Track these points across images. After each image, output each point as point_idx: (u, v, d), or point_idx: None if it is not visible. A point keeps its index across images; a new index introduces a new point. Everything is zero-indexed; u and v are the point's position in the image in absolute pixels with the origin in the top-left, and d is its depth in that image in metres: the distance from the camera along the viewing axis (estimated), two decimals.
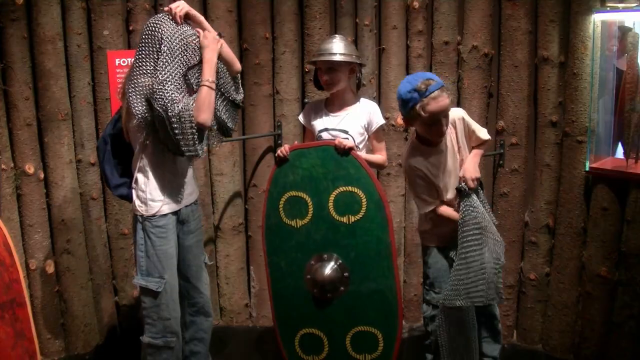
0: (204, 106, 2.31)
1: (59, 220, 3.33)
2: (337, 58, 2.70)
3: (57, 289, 3.37)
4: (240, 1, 3.44)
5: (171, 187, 2.51)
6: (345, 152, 2.63)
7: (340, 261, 2.71)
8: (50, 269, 3.32)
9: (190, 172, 2.63)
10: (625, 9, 2.93)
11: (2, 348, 2.29)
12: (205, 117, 2.31)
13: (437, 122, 2.48)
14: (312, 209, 2.71)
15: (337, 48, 2.72)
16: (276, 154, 2.76)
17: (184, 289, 2.69)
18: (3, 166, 3.14)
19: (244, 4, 3.44)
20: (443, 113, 2.48)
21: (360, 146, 2.80)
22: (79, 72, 3.29)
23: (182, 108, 2.27)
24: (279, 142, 3.51)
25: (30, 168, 3.22)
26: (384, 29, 3.39)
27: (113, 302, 3.57)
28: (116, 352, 3.47)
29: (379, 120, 2.80)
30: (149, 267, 2.50)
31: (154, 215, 2.48)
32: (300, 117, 2.98)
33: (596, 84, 3.02)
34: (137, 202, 2.50)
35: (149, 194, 2.48)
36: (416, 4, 3.31)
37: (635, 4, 2.90)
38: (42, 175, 3.28)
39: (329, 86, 2.76)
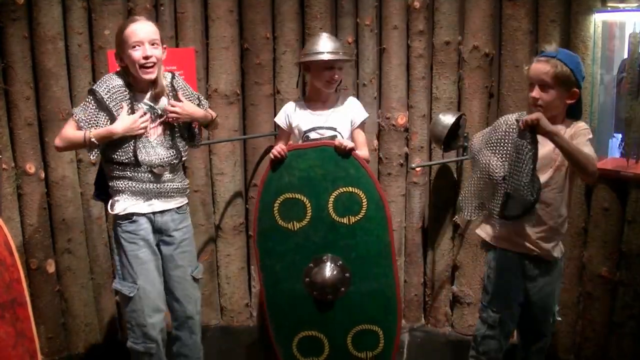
0: (62, 135, 2.49)
1: (59, 220, 3.33)
2: (341, 56, 2.71)
3: (57, 289, 3.37)
4: (241, 1, 3.44)
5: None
6: (347, 153, 2.61)
7: (340, 262, 2.69)
8: (51, 268, 3.32)
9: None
10: (625, 9, 2.93)
11: (3, 347, 2.29)
12: (57, 141, 2.50)
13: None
14: (310, 210, 2.66)
15: (336, 46, 2.73)
16: (271, 154, 2.68)
17: (168, 301, 2.69)
18: (4, 166, 3.15)
19: (244, 3, 3.43)
20: None
21: None
22: (79, 71, 3.29)
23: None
24: None
25: (31, 168, 3.22)
26: (385, 29, 3.38)
27: (114, 301, 3.57)
28: (116, 352, 3.46)
29: (362, 114, 2.79)
30: (123, 272, 2.56)
31: (121, 219, 2.54)
32: (279, 120, 2.87)
33: (596, 84, 3.02)
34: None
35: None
36: (417, 4, 3.30)
37: (635, 4, 2.90)
38: (42, 175, 3.28)
39: (331, 84, 2.74)
